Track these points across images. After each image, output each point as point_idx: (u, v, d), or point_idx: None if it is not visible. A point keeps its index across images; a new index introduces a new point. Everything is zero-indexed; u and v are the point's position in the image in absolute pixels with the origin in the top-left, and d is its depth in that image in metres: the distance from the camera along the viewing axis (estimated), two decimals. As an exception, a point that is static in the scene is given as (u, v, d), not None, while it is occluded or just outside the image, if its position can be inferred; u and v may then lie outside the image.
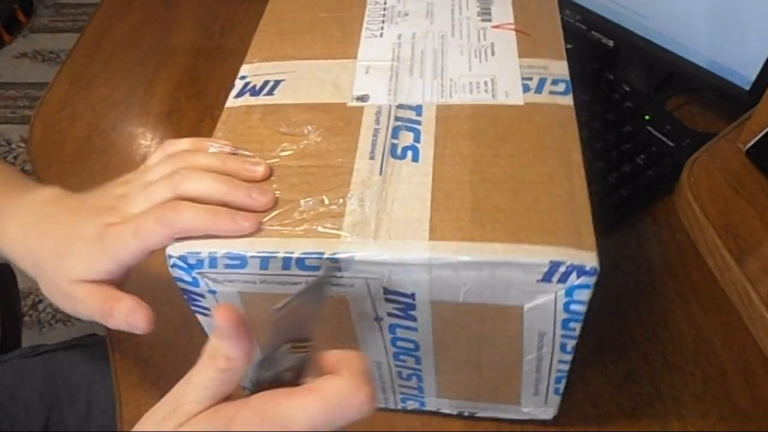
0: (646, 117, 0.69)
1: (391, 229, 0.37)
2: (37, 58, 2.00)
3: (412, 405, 0.50)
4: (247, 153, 0.42)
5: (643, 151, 0.67)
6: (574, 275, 0.35)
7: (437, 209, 0.37)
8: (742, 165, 0.63)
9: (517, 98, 0.44)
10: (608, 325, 0.56)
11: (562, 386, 0.44)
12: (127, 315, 0.40)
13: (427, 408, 0.50)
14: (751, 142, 0.62)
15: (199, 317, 0.43)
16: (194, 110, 0.76)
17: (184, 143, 0.44)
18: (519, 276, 0.35)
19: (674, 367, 0.54)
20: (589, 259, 0.35)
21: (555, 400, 0.46)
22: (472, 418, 0.50)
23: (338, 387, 0.30)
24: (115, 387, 0.53)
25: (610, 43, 0.76)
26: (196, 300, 0.41)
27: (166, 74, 0.82)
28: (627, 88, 0.72)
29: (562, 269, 0.35)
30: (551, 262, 0.35)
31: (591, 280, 0.35)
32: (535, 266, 0.35)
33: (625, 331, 0.56)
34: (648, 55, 0.73)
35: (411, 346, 0.43)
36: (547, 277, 0.35)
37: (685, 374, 0.53)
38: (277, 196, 0.40)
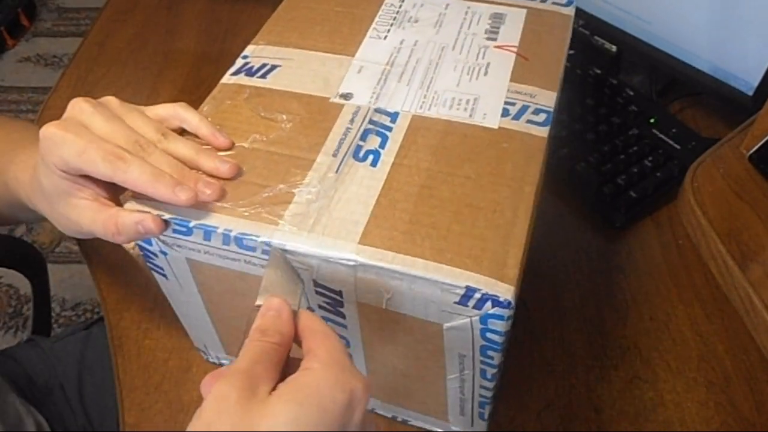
0: (652, 120, 0.70)
1: (327, 227, 0.38)
2: (40, 63, 2.00)
3: None
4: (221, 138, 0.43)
5: (650, 153, 0.67)
6: (489, 304, 0.35)
7: (376, 216, 0.38)
8: (745, 170, 0.63)
9: (493, 121, 0.44)
10: (611, 330, 0.56)
11: (486, 412, 0.45)
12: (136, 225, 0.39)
13: None
14: (754, 148, 0.62)
15: (155, 276, 0.44)
16: (197, 114, 0.76)
17: (164, 111, 0.46)
18: (437, 294, 0.36)
19: (677, 372, 0.54)
20: (505, 292, 0.35)
21: (481, 424, 0.46)
22: (406, 424, 0.50)
23: (315, 383, 0.30)
24: (118, 392, 0.53)
25: (614, 49, 0.76)
26: (151, 258, 0.43)
27: (169, 78, 0.82)
28: (631, 93, 0.72)
29: (477, 296, 0.35)
30: (467, 287, 0.35)
31: (505, 312, 0.35)
32: (452, 287, 0.35)
33: (627, 337, 0.56)
34: (651, 60, 0.73)
35: (342, 341, 0.43)
36: (462, 301, 0.36)
37: (687, 380, 0.53)
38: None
